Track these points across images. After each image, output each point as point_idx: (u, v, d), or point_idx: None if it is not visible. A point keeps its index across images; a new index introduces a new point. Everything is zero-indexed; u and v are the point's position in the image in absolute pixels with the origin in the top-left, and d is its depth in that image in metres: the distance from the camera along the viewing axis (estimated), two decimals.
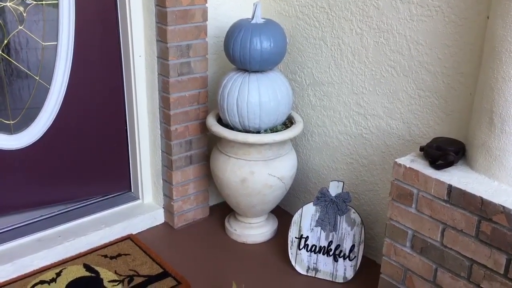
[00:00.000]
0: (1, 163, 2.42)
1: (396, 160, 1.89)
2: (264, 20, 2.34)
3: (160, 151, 2.63)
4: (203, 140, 2.65)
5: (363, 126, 2.37)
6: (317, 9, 2.42)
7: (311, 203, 2.36)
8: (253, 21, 2.30)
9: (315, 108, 2.57)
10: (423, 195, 1.82)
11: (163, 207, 2.74)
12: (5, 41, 2.29)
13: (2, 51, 2.30)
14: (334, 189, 2.32)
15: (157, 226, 2.73)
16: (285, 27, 2.52)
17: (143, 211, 2.71)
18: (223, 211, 2.82)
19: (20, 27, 2.31)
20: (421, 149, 1.92)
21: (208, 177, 2.73)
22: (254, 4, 2.31)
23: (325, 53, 2.44)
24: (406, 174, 1.85)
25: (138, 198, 2.78)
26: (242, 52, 2.27)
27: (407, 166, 1.85)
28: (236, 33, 2.28)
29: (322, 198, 2.32)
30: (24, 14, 2.30)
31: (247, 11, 2.49)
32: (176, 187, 2.63)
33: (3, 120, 2.39)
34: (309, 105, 2.60)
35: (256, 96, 2.29)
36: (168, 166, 2.61)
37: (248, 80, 2.31)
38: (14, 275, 2.26)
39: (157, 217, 2.74)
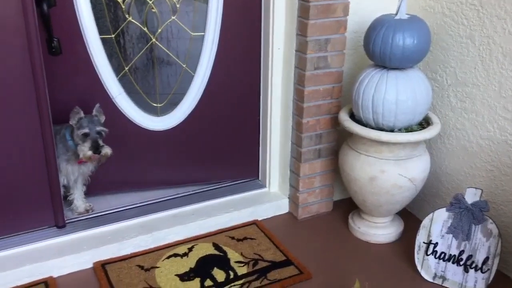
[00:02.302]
0: (147, 142, 2.64)
1: None
2: (408, 16, 2.28)
3: (290, 142, 2.68)
4: (332, 135, 2.66)
5: (509, 132, 2.21)
6: (466, 6, 2.30)
7: (444, 209, 2.26)
8: (397, 17, 2.24)
9: (455, 110, 2.45)
10: None
11: (288, 197, 2.80)
12: (159, 30, 2.48)
13: (156, 39, 2.49)
14: (471, 196, 2.20)
15: (281, 215, 2.79)
16: (429, 23, 2.42)
17: (269, 199, 2.79)
18: (347, 207, 2.81)
19: (173, 17, 2.48)
20: None
21: (335, 172, 2.73)
22: None
23: (472, 52, 2.31)
24: None
25: (265, 186, 2.87)
26: (383, 48, 2.23)
27: None
28: (378, 28, 2.24)
29: (457, 205, 2.21)
30: (178, 5, 2.47)
31: (390, 7, 2.43)
32: (303, 179, 2.67)
33: (152, 103, 2.60)
34: (449, 107, 2.48)
35: (394, 94, 2.24)
36: (296, 157, 2.66)
37: (387, 77, 2.27)
38: (152, 246, 2.45)
39: (282, 207, 2.80)
